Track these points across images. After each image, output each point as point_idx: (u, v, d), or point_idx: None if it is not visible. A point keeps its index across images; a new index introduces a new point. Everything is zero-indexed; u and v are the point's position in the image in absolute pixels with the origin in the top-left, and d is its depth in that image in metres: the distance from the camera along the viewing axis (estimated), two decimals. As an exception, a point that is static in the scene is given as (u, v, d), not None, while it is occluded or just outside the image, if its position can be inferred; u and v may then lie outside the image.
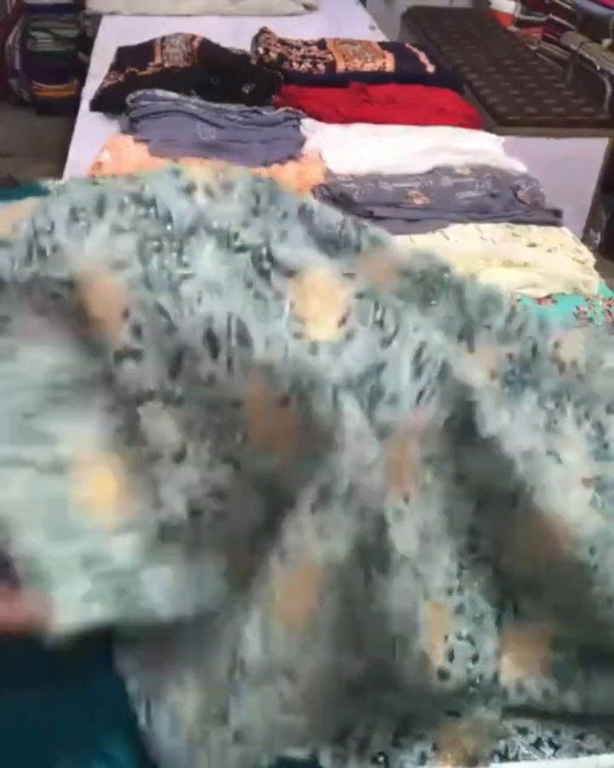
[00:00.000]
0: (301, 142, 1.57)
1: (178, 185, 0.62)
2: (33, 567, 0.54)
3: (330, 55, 2.02)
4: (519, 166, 1.56)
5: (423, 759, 0.63)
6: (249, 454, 0.56)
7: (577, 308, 1.13)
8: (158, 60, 1.85)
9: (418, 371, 0.57)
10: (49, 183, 0.80)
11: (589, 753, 0.66)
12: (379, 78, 1.93)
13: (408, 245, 0.68)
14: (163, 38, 1.95)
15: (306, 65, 1.98)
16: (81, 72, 2.49)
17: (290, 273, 0.59)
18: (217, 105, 1.64)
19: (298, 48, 2.05)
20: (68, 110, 2.38)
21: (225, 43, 1.96)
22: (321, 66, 1.98)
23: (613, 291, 1.22)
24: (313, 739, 0.60)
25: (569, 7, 2.91)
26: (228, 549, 0.59)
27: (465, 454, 0.60)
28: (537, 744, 0.65)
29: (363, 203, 1.35)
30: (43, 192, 0.68)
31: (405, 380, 0.56)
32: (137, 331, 0.56)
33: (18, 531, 0.54)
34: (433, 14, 2.94)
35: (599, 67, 2.60)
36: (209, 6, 2.40)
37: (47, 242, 0.58)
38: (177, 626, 0.58)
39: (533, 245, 1.31)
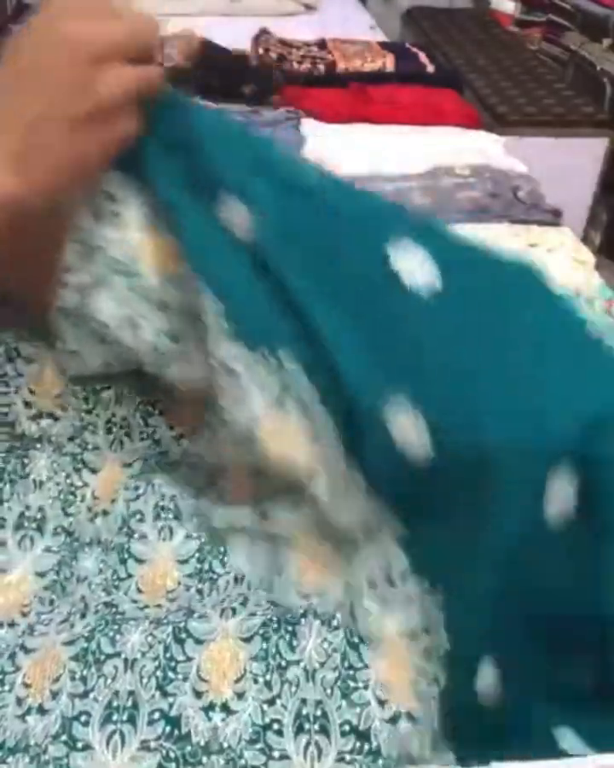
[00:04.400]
0: (301, 142, 1.57)
1: None
2: None
3: (330, 55, 2.02)
4: (519, 166, 1.56)
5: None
6: None
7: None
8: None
9: None
10: None
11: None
12: (379, 78, 1.93)
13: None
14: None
15: (306, 65, 1.98)
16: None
17: None
18: (217, 105, 1.64)
19: (298, 48, 2.05)
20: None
21: (225, 43, 1.96)
22: (321, 67, 1.99)
23: (613, 291, 1.22)
24: None
25: (569, 7, 2.91)
26: None
27: None
28: None
29: (363, 203, 1.36)
30: None
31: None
32: None
33: None
34: (433, 14, 2.94)
35: (599, 67, 2.60)
36: (208, 6, 2.40)
37: None
38: None
39: (533, 245, 1.31)
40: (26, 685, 0.50)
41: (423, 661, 0.51)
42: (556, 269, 1.24)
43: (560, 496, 0.47)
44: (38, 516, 0.58)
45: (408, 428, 0.46)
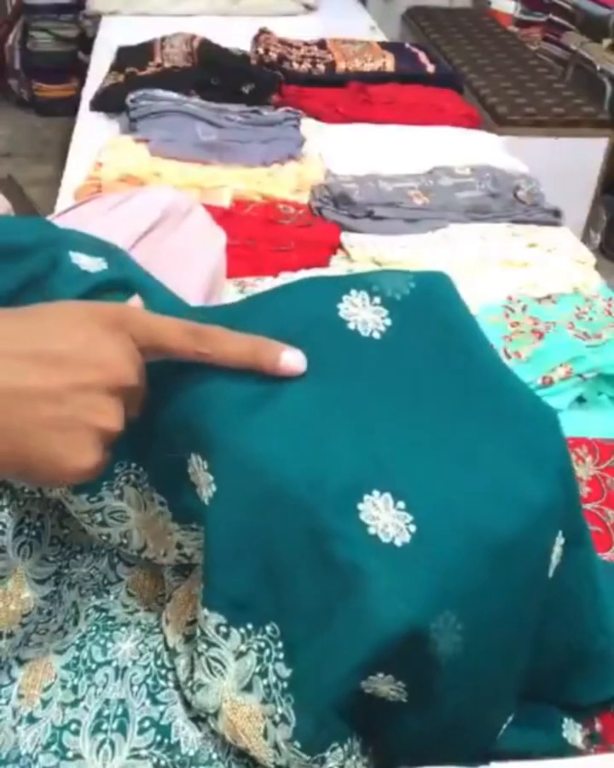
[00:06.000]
0: (301, 142, 1.57)
1: None
2: None
3: (330, 55, 2.02)
4: (519, 166, 1.56)
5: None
6: None
7: (577, 308, 1.13)
8: (158, 60, 1.85)
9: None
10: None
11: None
12: (379, 78, 1.93)
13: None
14: (163, 38, 1.95)
15: (306, 65, 1.98)
16: (81, 72, 2.50)
17: None
18: (217, 105, 1.64)
19: (298, 48, 2.05)
20: (68, 110, 2.39)
21: (225, 43, 1.96)
22: (321, 66, 1.98)
23: (613, 291, 1.22)
24: None
25: (569, 7, 2.91)
26: None
27: None
28: None
29: (363, 203, 1.35)
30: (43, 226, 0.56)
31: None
32: None
33: None
34: (433, 14, 2.94)
35: (599, 67, 2.60)
36: (209, 6, 2.39)
37: None
38: None
39: (533, 245, 1.30)
40: (21, 696, 0.50)
41: (266, 706, 0.46)
42: (556, 269, 1.24)
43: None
44: None
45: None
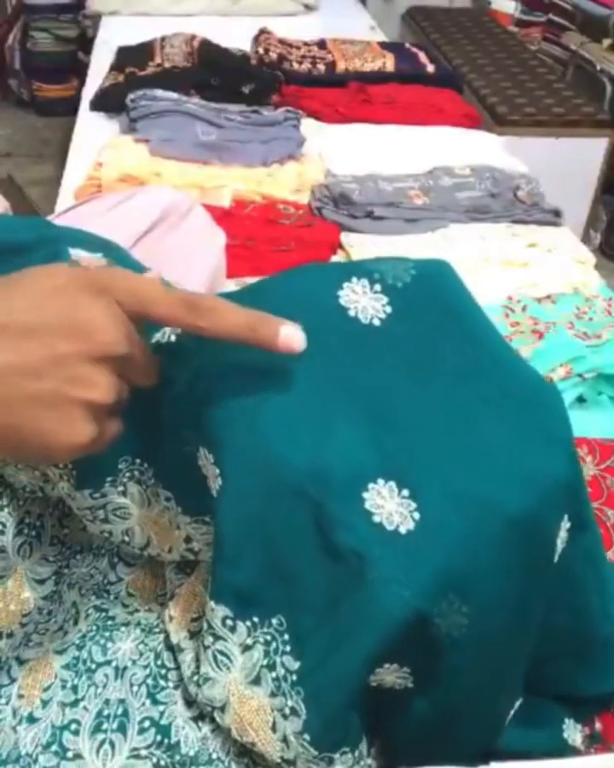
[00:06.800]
0: (301, 142, 1.57)
1: None
2: None
3: (330, 55, 2.02)
4: (519, 166, 1.56)
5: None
6: None
7: (577, 308, 1.13)
8: (158, 60, 1.85)
9: None
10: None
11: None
12: (379, 78, 1.93)
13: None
14: (163, 38, 1.95)
15: (306, 65, 1.98)
16: (81, 72, 2.50)
17: None
18: (217, 105, 1.64)
19: (298, 48, 2.05)
20: (68, 110, 2.39)
21: (225, 43, 1.96)
22: (321, 66, 1.98)
23: (613, 291, 1.22)
24: None
25: (569, 7, 2.91)
26: None
27: None
28: None
29: (363, 203, 1.35)
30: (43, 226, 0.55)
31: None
32: None
33: None
34: (433, 14, 2.94)
35: (599, 67, 2.60)
36: (209, 6, 2.40)
37: None
38: None
39: (533, 245, 1.31)
40: (21, 696, 0.50)
41: (275, 698, 0.46)
42: (556, 269, 1.24)
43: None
44: None
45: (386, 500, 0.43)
